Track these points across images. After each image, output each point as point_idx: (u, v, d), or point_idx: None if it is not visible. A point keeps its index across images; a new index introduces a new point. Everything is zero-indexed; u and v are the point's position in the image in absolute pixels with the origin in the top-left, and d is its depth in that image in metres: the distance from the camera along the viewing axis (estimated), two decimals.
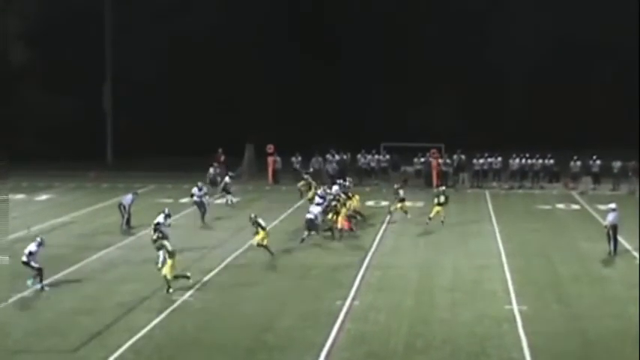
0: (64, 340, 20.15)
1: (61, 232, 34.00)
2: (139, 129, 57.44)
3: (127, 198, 34.53)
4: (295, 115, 58.61)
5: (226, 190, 41.04)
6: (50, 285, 25.14)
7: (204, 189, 36.76)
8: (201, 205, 36.12)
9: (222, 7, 59.11)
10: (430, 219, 34.00)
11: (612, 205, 29.23)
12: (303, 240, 30.73)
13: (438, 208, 34.14)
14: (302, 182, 41.58)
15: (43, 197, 41.98)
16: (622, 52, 57.33)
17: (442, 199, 34.26)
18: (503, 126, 57.66)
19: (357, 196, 35.23)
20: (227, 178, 41.20)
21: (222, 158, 50.50)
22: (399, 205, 35.40)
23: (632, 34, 55.45)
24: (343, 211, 32.75)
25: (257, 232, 28.76)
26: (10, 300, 23.46)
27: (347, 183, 36.66)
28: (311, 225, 31.08)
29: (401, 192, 35.59)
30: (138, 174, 49.83)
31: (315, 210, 31.67)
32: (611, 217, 28.89)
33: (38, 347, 19.77)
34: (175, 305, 23.00)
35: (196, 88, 59.04)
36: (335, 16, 60.11)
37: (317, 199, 33.16)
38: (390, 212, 36.54)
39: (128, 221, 34.16)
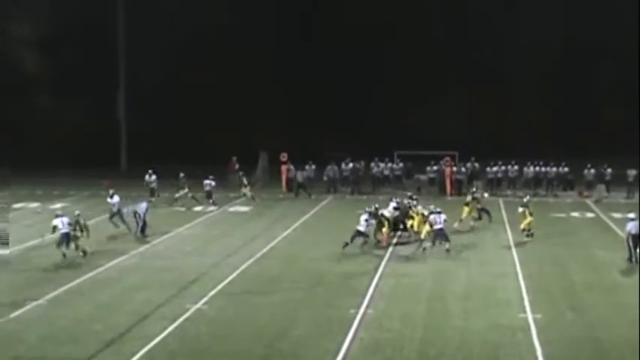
0: (78, 348, 20.19)
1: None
2: (152, 137, 57.69)
3: (142, 206, 34.61)
4: (309, 124, 58.74)
5: (208, 196, 42.06)
6: (65, 292, 25.25)
7: (116, 198, 35.43)
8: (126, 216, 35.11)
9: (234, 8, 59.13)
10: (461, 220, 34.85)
11: (632, 215, 28.96)
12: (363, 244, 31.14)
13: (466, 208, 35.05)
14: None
15: (58, 205, 42.07)
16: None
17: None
18: (517, 133, 57.64)
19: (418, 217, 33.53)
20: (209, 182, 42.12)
21: (237, 166, 50.69)
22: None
23: None
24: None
25: None
26: (26, 307, 23.55)
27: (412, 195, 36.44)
28: (360, 235, 31.07)
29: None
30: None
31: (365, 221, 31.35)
32: (630, 226, 28.73)
33: (53, 354, 19.81)
34: (189, 313, 23.03)
35: (211, 96, 59.16)
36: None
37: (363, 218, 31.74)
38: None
39: (143, 229, 34.24)
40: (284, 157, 48.80)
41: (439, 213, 30.90)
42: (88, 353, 19.74)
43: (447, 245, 30.52)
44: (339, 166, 49.15)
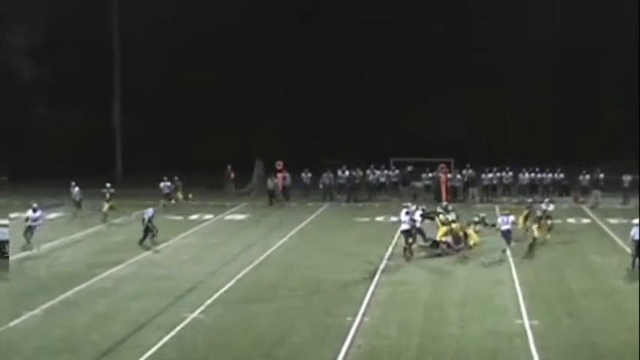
0: (75, 357, 20.17)
1: (72, 249, 34.05)
2: (147, 144, 57.65)
3: (148, 212, 34.45)
4: (308, 125, 58.75)
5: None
6: (61, 302, 25.21)
7: (39, 212, 34.30)
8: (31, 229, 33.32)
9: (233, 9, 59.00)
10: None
11: (636, 221, 28.73)
12: (408, 252, 30.78)
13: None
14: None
15: (53, 215, 42.05)
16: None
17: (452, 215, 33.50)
18: (511, 140, 57.67)
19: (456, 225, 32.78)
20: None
21: (232, 175, 50.73)
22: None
23: None
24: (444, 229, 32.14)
25: None
26: (22, 317, 23.49)
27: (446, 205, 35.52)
28: (408, 235, 30.90)
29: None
30: (147, 191, 49.80)
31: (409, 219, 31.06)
32: (633, 232, 28.64)
33: None
34: (186, 322, 22.98)
35: (206, 104, 59.13)
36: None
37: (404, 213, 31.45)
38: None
39: (146, 236, 34.09)
40: (279, 165, 48.78)
41: (507, 215, 30.95)
42: None
43: (507, 249, 30.57)
44: (335, 173, 49.16)
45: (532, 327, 22.18)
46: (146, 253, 32.74)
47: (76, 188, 42.44)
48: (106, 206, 40.54)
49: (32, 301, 25.07)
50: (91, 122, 58.07)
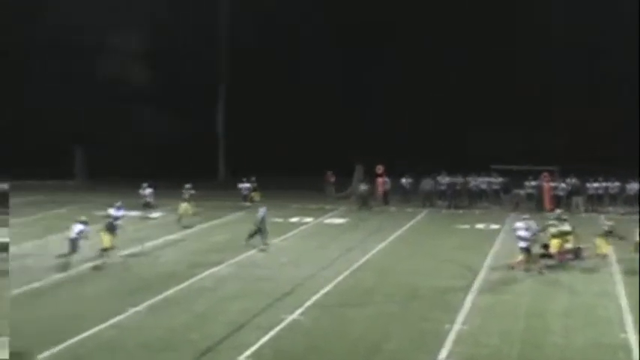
0: (174, 356, 20.44)
1: (174, 249, 34.66)
2: (250, 147, 58.31)
3: (262, 211, 34.82)
4: (406, 138, 58.60)
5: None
6: (163, 300, 25.65)
7: (121, 211, 34.88)
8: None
9: None
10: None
11: None
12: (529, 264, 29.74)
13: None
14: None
15: (157, 215, 42.88)
16: None
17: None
18: (617, 149, 56.23)
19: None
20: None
21: (333, 179, 50.95)
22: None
23: None
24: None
25: None
26: (125, 314, 23.96)
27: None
28: (527, 252, 29.95)
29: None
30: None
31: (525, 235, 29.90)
32: None
33: None
34: (284, 324, 23.08)
35: (310, 108, 59.48)
36: None
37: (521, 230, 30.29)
38: None
39: (258, 234, 34.39)
40: (380, 169, 48.67)
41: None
42: None
43: None
44: (436, 179, 48.77)
45: (637, 341, 21.51)
46: (246, 254, 33.04)
47: (148, 190, 43.21)
48: (182, 207, 40.75)
49: (135, 298, 25.59)
50: (196, 127, 59.03)
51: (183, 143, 58.56)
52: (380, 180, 48.87)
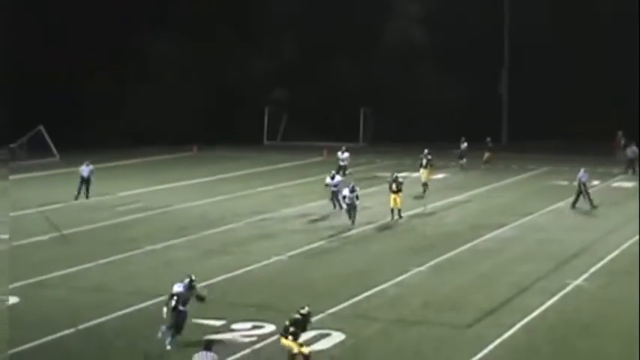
0: (458, 316, 20.73)
1: (458, 210, 34.93)
2: (534, 111, 57.07)
3: (583, 174, 34.72)
4: None
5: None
6: (446, 260, 26.07)
7: (337, 178, 33.72)
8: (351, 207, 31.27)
9: None
10: None
11: None
12: None
13: None
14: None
15: (440, 176, 43.29)
16: None
17: None
18: None
19: None
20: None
21: (622, 142, 48.83)
22: None
23: None
24: None
25: None
26: (409, 272, 24.43)
27: None
28: None
29: None
30: (532, 156, 49.82)
31: None
32: None
33: (434, 320, 20.51)
34: (569, 289, 22.76)
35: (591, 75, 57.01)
36: None
37: None
38: None
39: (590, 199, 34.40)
40: None
41: None
42: (467, 321, 20.21)
43: None
44: None
45: None
46: (528, 218, 32.72)
47: (345, 154, 42.81)
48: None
49: (419, 258, 26.18)
50: (475, 89, 58.53)
51: (466, 106, 58.23)
52: None
